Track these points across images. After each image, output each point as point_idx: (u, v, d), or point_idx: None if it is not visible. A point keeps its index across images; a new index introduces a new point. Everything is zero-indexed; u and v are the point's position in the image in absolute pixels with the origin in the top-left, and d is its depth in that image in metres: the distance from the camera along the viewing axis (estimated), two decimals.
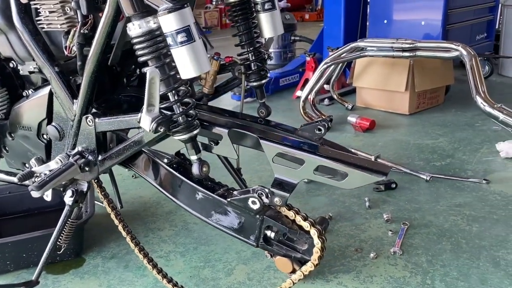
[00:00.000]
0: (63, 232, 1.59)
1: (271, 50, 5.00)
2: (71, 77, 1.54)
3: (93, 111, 1.49)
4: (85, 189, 1.54)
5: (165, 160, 1.52)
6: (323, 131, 1.49)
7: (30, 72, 1.66)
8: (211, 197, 1.42)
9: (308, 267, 1.39)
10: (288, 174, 1.33)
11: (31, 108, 1.68)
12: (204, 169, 1.34)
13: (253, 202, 1.34)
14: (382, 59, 3.59)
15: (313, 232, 1.33)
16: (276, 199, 1.33)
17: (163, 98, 1.28)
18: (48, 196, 1.49)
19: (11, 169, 1.93)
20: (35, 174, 1.52)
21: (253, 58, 1.68)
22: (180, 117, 1.30)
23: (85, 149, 1.51)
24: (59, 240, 1.59)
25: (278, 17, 1.62)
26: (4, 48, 1.65)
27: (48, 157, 1.69)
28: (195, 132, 1.33)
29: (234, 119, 1.61)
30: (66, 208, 1.53)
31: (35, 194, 1.39)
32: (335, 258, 1.93)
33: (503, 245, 1.95)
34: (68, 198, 1.52)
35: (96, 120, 1.46)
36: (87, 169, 1.50)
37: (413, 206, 2.31)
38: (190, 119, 1.32)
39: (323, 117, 3.31)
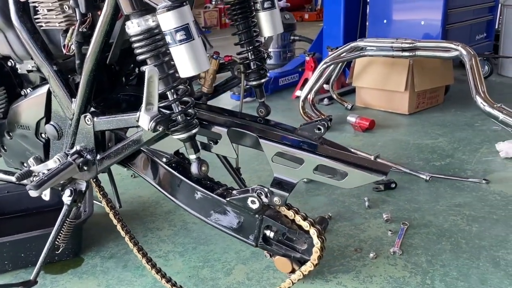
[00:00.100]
0: (61, 231, 1.59)
1: (270, 49, 4.97)
2: (69, 76, 1.53)
3: (92, 110, 1.48)
4: (83, 189, 1.53)
5: (164, 160, 1.52)
6: (322, 131, 1.49)
7: (28, 71, 1.65)
8: (210, 196, 1.42)
9: (307, 267, 1.38)
10: (288, 174, 1.33)
11: (29, 107, 1.68)
12: (203, 168, 1.33)
13: (252, 202, 1.33)
14: (382, 59, 3.58)
15: (313, 232, 1.32)
16: (276, 199, 1.32)
17: (162, 97, 1.28)
18: (46, 195, 1.48)
19: (9, 168, 1.92)
20: (33, 173, 1.51)
21: (253, 57, 1.68)
22: (179, 116, 1.29)
23: (83, 148, 1.50)
24: (58, 239, 1.59)
25: (277, 16, 1.61)
26: (2, 46, 1.64)
27: (47, 156, 1.68)
28: (194, 131, 1.32)
29: (233, 118, 1.60)
30: (65, 208, 1.53)
31: (33, 193, 1.38)
32: (335, 258, 1.92)
33: (503, 245, 1.95)
34: (66, 198, 1.51)
35: (95, 119, 1.45)
36: (85, 168, 1.49)
37: (413, 206, 2.31)
38: (189, 118, 1.31)
39: (323, 116, 3.30)
